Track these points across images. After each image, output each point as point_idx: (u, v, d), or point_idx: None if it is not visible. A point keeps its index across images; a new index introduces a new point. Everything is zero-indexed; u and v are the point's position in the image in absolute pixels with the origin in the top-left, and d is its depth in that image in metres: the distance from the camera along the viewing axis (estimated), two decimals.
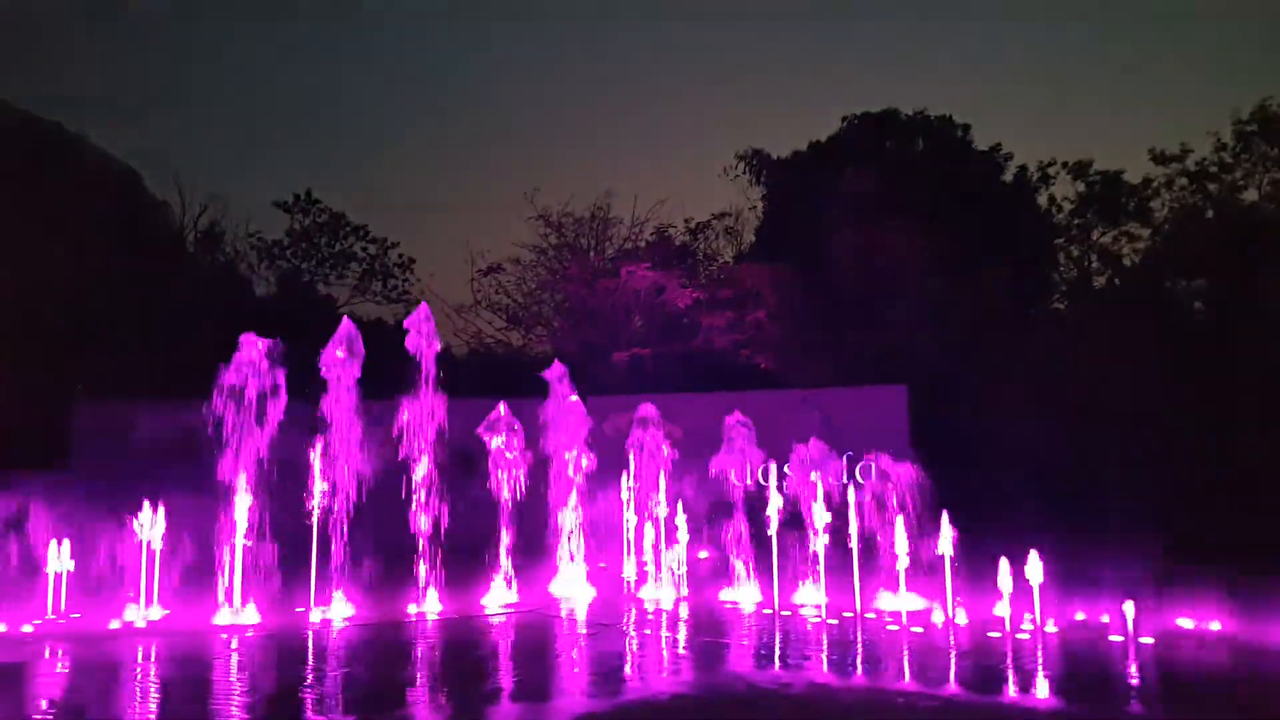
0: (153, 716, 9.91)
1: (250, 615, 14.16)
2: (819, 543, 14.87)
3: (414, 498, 15.61)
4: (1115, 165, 36.97)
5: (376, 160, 71.06)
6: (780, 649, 12.47)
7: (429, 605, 15.22)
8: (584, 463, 17.99)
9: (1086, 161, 37.23)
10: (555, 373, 18.58)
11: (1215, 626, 12.54)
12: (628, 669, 11.68)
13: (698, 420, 21.47)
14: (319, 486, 14.82)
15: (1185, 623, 12.75)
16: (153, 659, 12.41)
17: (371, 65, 74.90)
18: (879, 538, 14.15)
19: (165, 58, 68.95)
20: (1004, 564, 12.72)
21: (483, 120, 71.28)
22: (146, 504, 14.75)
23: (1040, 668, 11.09)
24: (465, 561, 16.18)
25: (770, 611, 14.77)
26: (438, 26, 73.47)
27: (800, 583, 15.39)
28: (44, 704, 10.13)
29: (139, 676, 11.73)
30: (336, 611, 14.63)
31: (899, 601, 13.70)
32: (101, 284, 29.14)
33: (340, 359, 15.23)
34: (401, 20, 71.28)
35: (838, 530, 14.61)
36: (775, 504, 14.36)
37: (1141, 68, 65.30)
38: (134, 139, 67.53)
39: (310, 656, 12.57)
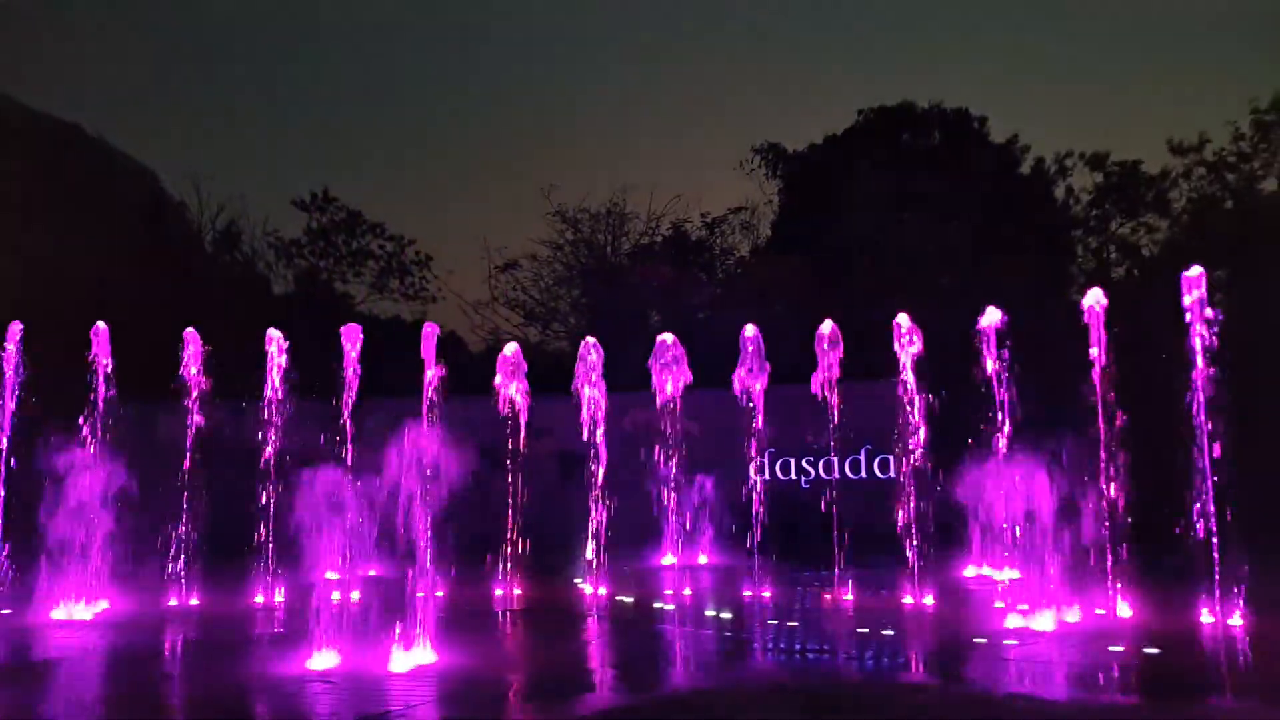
0: None
1: None
2: None
3: None
4: (1133, 156, 36.79)
5: (393, 157, 71.29)
6: None
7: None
8: None
9: (1104, 153, 36.98)
10: None
11: None
12: None
13: (716, 415, 21.58)
14: None
15: None
16: None
17: (385, 62, 75.10)
18: None
19: (182, 58, 69.29)
20: None
21: (499, 117, 71.38)
22: None
23: None
24: None
25: None
26: (452, 23, 73.53)
27: None
28: None
29: None
30: None
31: None
32: (119, 284, 29.30)
33: None
34: (415, 17, 71.39)
35: None
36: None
37: (1160, 58, 64.79)
38: (152, 139, 67.85)
39: None
